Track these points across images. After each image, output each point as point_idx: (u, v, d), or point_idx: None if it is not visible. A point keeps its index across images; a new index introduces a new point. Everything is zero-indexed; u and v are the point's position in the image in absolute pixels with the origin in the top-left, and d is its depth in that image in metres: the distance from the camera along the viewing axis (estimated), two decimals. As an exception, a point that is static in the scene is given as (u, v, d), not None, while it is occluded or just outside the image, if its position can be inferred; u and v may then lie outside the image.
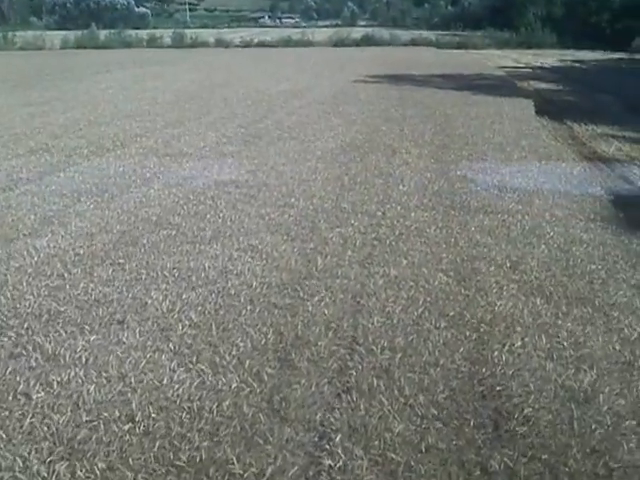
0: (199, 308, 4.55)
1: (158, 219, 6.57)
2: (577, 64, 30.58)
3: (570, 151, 10.46)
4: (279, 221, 6.56)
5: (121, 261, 5.45)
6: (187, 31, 48.82)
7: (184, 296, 4.75)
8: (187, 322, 4.34)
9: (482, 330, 4.27)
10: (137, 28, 56.65)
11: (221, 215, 6.70)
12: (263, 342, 4.09)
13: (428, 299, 4.74)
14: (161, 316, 4.43)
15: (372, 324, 4.33)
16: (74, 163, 9.07)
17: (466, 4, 68.34)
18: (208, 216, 6.67)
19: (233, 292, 4.82)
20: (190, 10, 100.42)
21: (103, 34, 46.05)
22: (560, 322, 4.40)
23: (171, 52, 39.12)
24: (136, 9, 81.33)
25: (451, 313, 4.50)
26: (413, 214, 6.84)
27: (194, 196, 7.40)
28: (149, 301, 4.64)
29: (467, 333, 4.22)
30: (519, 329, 4.29)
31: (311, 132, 11.43)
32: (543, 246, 5.95)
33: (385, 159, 9.45)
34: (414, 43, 45.67)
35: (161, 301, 4.64)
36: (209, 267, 5.30)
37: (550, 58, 33.31)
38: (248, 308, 4.56)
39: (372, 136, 11.18)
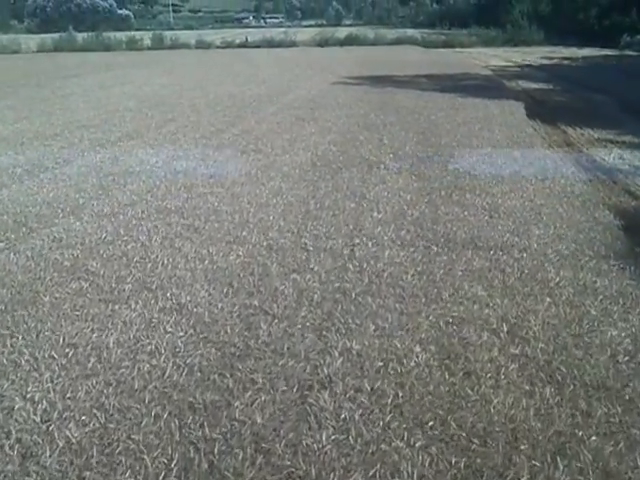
0: (83, 418, 3.30)
1: (73, 264, 5.31)
2: (566, 61, 29.52)
3: (567, 161, 9.28)
4: (222, 265, 5.32)
5: (3, 332, 4.19)
6: (167, 33, 47.57)
7: (68, 394, 3.50)
8: (62, 443, 3.11)
9: (473, 451, 3.05)
10: (119, 30, 55.23)
11: (152, 257, 5.45)
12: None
13: (400, 394, 3.52)
14: (29, 431, 3.19)
15: (320, 444, 3.10)
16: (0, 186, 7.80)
17: (452, 2, 67.42)
18: (136, 259, 5.41)
19: (136, 387, 3.57)
20: (174, 12, 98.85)
21: (81, 37, 44.60)
22: (580, 433, 3.19)
23: (149, 54, 37.82)
24: (118, 11, 79.81)
25: (431, 422, 3.27)
26: (387, 252, 5.62)
27: (126, 230, 6.14)
28: (16, 406, 3.39)
29: (453, 459, 3.00)
30: (524, 446, 3.08)
31: (280, 143, 10.19)
32: (548, 299, 4.74)
33: (360, 176, 8.23)
34: (399, 42, 44.65)
35: (35, 404, 3.40)
36: (116, 343, 4.06)
37: (538, 56, 32.26)
38: (152, 414, 3.32)
39: (347, 147, 9.96)
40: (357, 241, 5.90)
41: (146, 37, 44.61)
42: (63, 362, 3.85)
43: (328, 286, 4.97)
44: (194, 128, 11.54)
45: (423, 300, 4.74)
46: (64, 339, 4.10)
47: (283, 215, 6.62)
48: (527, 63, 28.08)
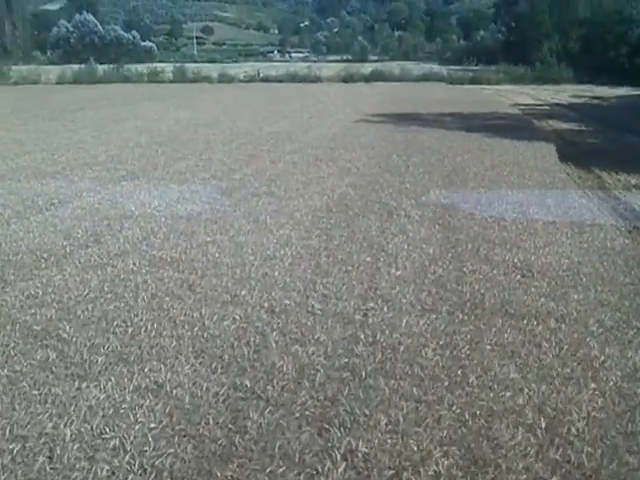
0: None
1: (44, 328, 4.66)
2: (597, 101, 28.78)
3: (604, 210, 8.53)
4: (214, 332, 4.64)
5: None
6: (189, 65, 47.70)
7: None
8: None
9: None
10: (142, 62, 55.72)
11: (135, 321, 4.78)
12: None
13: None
14: None
15: None
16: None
17: (479, 38, 67.27)
18: (116, 323, 4.75)
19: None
20: (198, 44, 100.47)
21: (102, 69, 44.89)
22: None
23: (169, 87, 37.90)
24: (142, 43, 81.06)
25: None
26: (405, 320, 4.90)
27: (111, 285, 5.49)
28: None
29: None
30: None
31: (294, 185, 9.57)
32: (592, 385, 3.99)
33: (378, 224, 7.55)
34: (425, 78, 44.34)
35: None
36: (74, 435, 3.38)
37: (567, 94, 31.57)
38: None
39: (367, 191, 9.31)
40: (371, 304, 5.20)
41: (168, 69, 44.70)
42: (5, 461, 3.17)
43: (334, 362, 4.26)
44: (205, 167, 10.99)
45: (446, 383, 4.01)
46: (13, 428, 3.43)
47: (290, 270, 5.95)
48: (557, 102, 27.41)
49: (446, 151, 12.85)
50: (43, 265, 5.92)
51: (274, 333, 4.64)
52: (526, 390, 3.94)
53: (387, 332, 4.68)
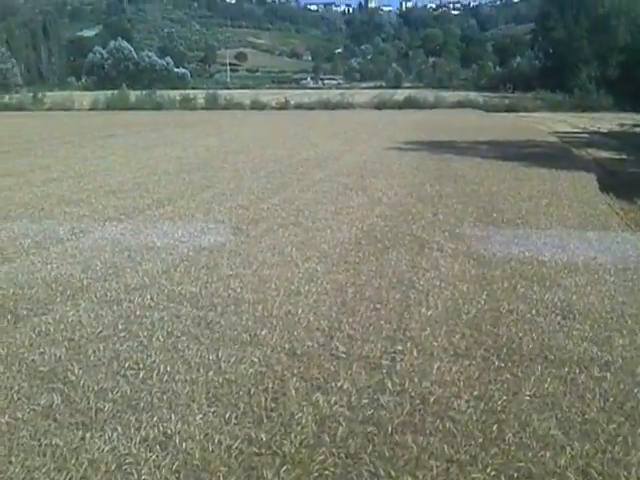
0: None
1: (51, 369, 4.41)
2: (638, 129, 28.07)
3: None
4: (230, 376, 4.34)
5: None
6: (222, 92, 48.08)
7: None
8: None
9: None
10: (175, 88, 56.46)
11: (147, 362, 4.51)
12: None
13: None
14: None
15: None
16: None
17: (515, 65, 66.80)
18: (128, 364, 4.48)
19: None
20: (232, 71, 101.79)
21: (134, 95, 45.51)
22: None
23: (201, 114, 38.21)
24: (175, 69, 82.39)
25: None
26: (436, 366, 4.54)
27: (126, 322, 5.23)
28: None
29: None
30: None
31: (323, 215, 9.29)
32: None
33: (409, 258, 7.21)
34: (460, 105, 43.99)
35: None
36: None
37: (607, 122, 30.88)
38: None
39: (398, 222, 8.98)
40: (400, 347, 4.85)
41: (200, 96, 45.01)
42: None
43: (358, 414, 3.92)
44: (232, 196, 10.78)
45: (480, 440, 3.64)
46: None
47: (314, 307, 5.64)
48: (596, 130, 26.81)
49: (481, 180, 12.46)
50: (58, 299, 5.70)
51: (294, 379, 4.33)
52: (568, 449, 3.56)
53: (416, 380, 4.34)
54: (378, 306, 5.69)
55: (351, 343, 4.91)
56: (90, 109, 42.66)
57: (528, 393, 4.19)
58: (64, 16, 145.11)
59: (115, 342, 4.83)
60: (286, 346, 4.83)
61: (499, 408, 4.01)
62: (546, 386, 4.28)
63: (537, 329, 5.23)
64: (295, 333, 5.07)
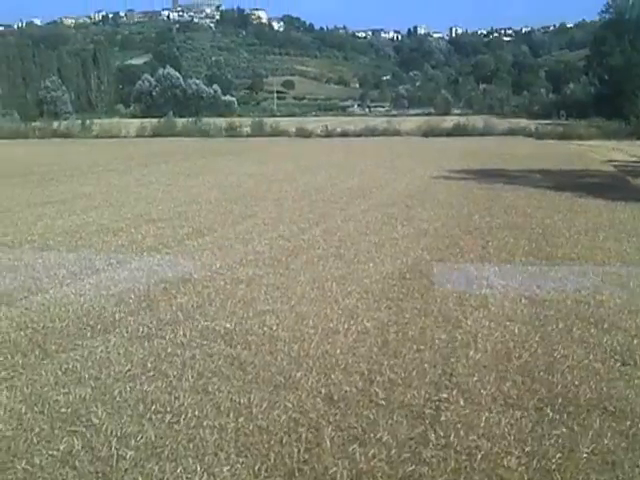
0: None
1: (74, 411, 4.18)
2: (699, 158, 26.98)
3: None
4: (262, 422, 4.05)
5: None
6: (268, 120, 48.46)
7: None
8: None
9: None
10: (222, 116, 57.22)
11: (175, 405, 4.25)
12: None
13: None
14: None
15: None
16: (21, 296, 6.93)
17: (569, 91, 65.64)
18: (154, 408, 4.22)
19: None
20: (279, 98, 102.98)
21: (180, 122, 46.17)
22: None
23: (246, 141, 38.50)
24: (222, 97, 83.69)
25: None
26: (485, 417, 4.16)
27: (156, 360, 4.99)
28: None
29: None
30: None
31: (365, 247, 8.99)
32: None
33: (456, 295, 6.83)
34: (511, 133, 43.17)
35: None
36: None
37: (666, 151, 29.81)
38: None
39: (444, 255, 8.62)
40: (445, 394, 4.49)
41: (246, 123, 45.38)
42: None
43: (398, 470, 3.59)
44: (273, 226, 10.58)
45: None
46: None
47: (353, 347, 5.32)
48: (655, 159, 25.88)
49: (533, 211, 11.98)
50: (88, 334, 5.51)
51: (330, 428, 4.01)
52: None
53: (462, 433, 3.97)
54: (422, 347, 5.34)
55: (392, 389, 4.57)
56: (137, 136, 43.40)
57: (586, 450, 3.78)
58: (114, 45, 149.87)
59: (143, 382, 4.60)
60: (322, 390, 4.52)
61: (554, 466, 3.63)
62: (606, 442, 3.87)
63: (595, 377, 4.80)
64: (332, 376, 4.76)
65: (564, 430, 4.03)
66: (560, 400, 4.42)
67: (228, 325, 5.72)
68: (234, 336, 5.48)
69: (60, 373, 4.74)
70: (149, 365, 4.89)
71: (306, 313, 6.12)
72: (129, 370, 4.80)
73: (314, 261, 8.19)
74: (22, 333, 5.55)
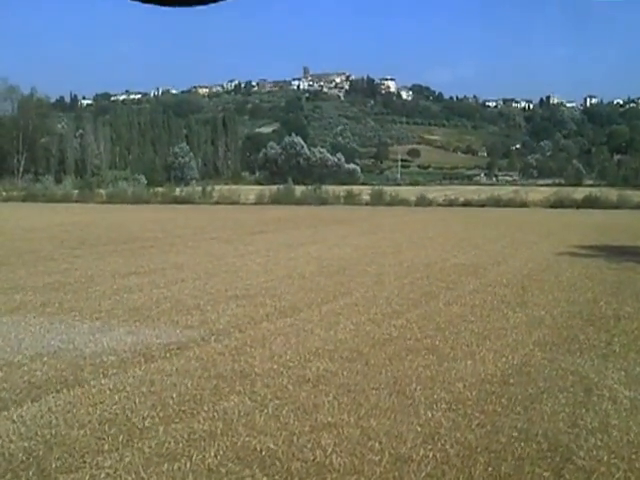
0: None
1: None
2: None
3: None
4: None
5: None
6: (388, 188, 47.96)
7: None
8: None
9: None
10: (345, 184, 57.47)
11: None
12: None
13: None
14: None
15: None
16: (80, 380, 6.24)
17: None
18: None
19: None
20: (403, 167, 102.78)
21: (299, 189, 46.54)
22: None
23: (361, 210, 38.12)
24: (346, 165, 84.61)
25: None
26: None
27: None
28: None
29: None
30: None
31: (467, 339, 7.74)
32: None
33: (569, 411, 5.47)
34: (648, 206, 39.89)
35: None
36: None
37: None
38: None
39: (559, 353, 7.23)
40: None
41: (365, 192, 45.01)
42: None
43: None
44: (365, 307, 9.52)
45: None
46: None
47: (427, 484, 4.14)
48: None
49: (672, 299, 10.21)
50: (106, 447, 4.59)
51: None
52: None
53: None
54: (517, 491, 4.08)
55: None
56: (255, 203, 44.10)
57: None
58: (244, 113, 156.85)
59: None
60: None
61: None
62: None
63: None
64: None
65: None
66: None
67: (276, 445, 4.63)
68: (275, 461, 4.40)
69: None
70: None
71: (375, 431, 4.96)
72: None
73: (401, 355, 7.04)
74: (29, 446, 4.65)
